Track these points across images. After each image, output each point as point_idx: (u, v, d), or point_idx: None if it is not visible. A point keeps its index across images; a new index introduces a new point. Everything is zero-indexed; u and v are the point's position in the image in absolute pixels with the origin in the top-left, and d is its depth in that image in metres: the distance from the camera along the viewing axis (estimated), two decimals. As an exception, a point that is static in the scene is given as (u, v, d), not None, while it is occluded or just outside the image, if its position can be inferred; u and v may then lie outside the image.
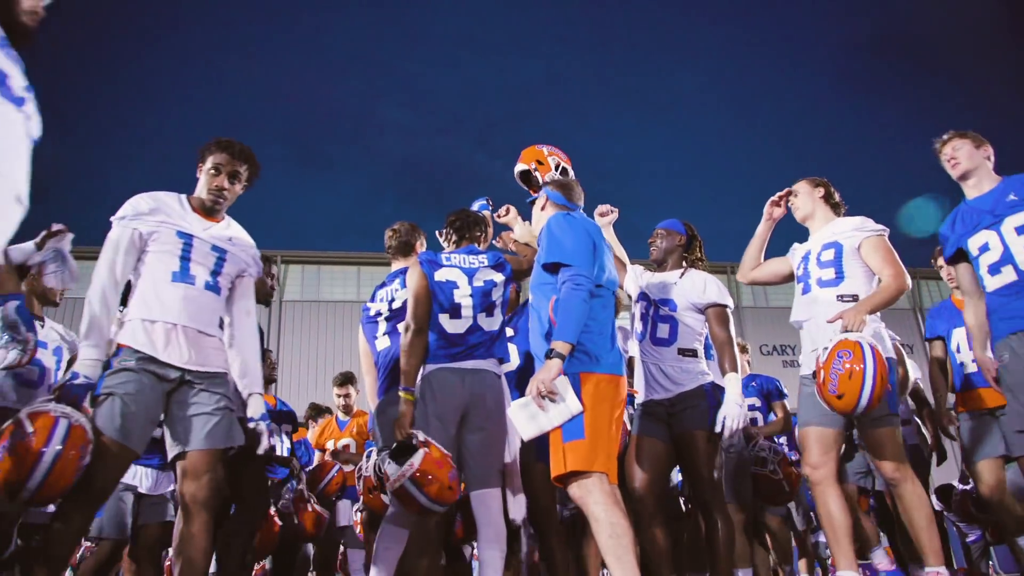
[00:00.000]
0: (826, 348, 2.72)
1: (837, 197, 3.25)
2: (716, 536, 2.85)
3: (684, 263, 3.30)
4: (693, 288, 3.14)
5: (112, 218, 2.47)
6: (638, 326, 3.21)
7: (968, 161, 2.94)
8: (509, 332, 3.26)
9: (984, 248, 2.84)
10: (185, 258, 2.47)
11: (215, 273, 2.52)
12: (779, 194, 3.34)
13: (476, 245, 3.15)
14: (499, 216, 3.52)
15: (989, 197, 2.87)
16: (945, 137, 3.02)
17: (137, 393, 2.28)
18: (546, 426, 2.37)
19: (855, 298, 2.95)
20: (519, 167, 3.66)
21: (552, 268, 2.53)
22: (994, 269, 2.81)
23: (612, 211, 3.46)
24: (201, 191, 2.60)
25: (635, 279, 3.32)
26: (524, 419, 2.38)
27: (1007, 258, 2.75)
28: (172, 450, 2.36)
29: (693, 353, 3.09)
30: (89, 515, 2.31)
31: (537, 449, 2.94)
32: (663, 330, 3.13)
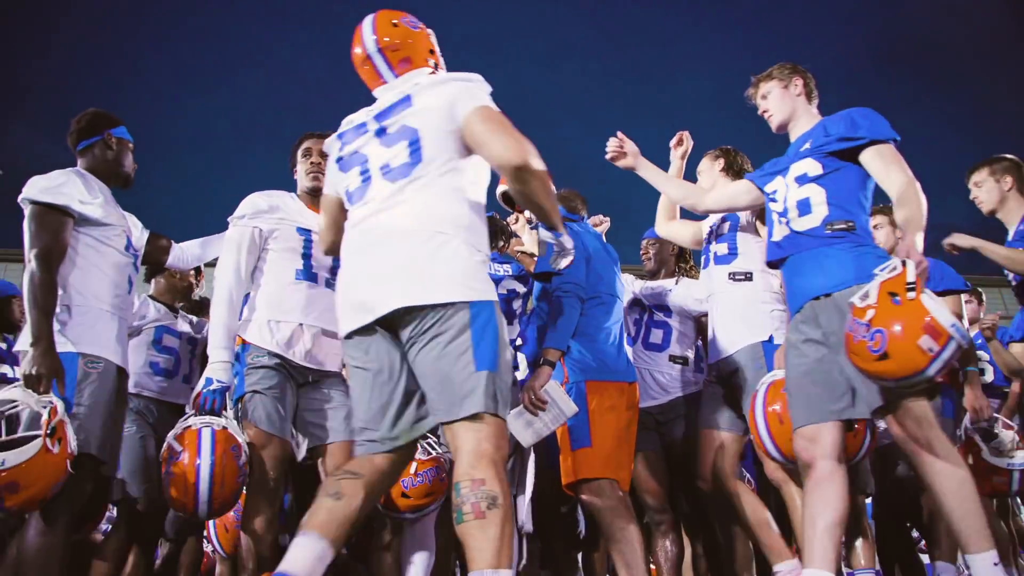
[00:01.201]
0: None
1: (741, 163, 2.96)
2: (719, 546, 2.81)
3: (678, 271, 3.29)
4: (688, 295, 3.14)
5: (229, 218, 2.53)
6: (631, 330, 3.20)
7: (780, 110, 2.44)
8: (517, 341, 3.27)
9: (773, 197, 2.38)
10: (307, 255, 2.49)
11: (334, 269, 2.52)
12: (678, 135, 3.06)
13: (499, 253, 3.16)
14: (508, 224, 3.54)
15: (798, 141, 2.39)
16: (752, 80, 2.53)
17: (277, 387, 2.33)
18: (543, 431, 2.38)
19: (748, 276, 2.71)
20: (500, 188, 3.68)
21: (546, 278, 2.56)
22: (779, 220, 2.34)
23: (604, 220, 3.48)
24: (302, 180, 2.63)
25: (628, 285, 3.33)
26: (520, 427, 2.39)
27: (784, 212, 2.29)
28: (310, 443, 2.39)
29: (684, 361, 3.08)
30: (271, 512, 2.31)
31: (544, 456, 2.94)
32: (656, 335, 3.11)
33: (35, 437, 1.93)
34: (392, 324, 1.71)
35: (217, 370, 2.34)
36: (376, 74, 2.00)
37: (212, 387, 2.31)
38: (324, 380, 2.47)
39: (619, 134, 2.85)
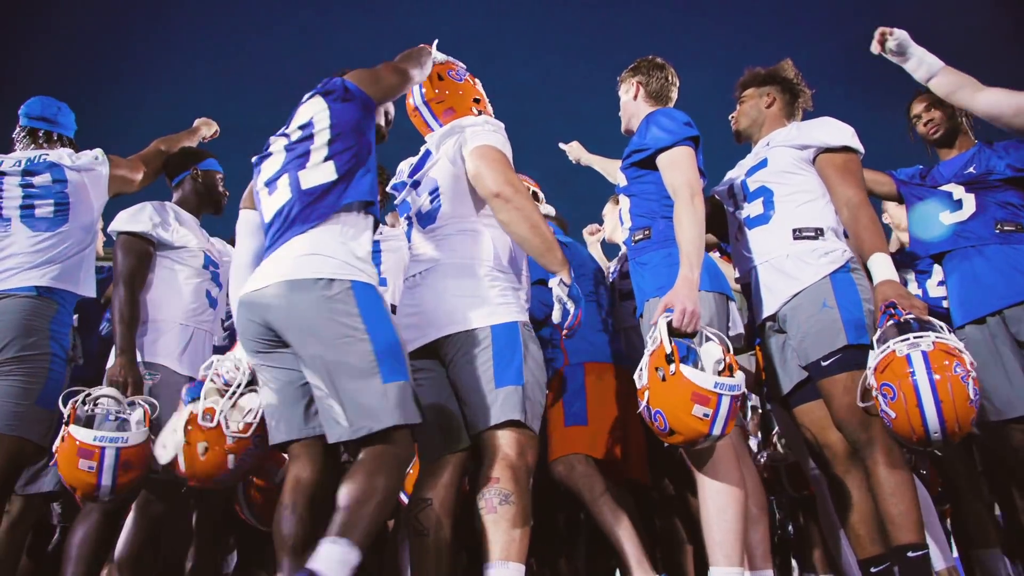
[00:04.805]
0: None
1: None
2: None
3: None
4: None
5: None
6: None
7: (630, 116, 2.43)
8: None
9: None
10: None
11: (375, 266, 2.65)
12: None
13: None
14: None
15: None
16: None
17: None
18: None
19: None
20: None
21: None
22: None
23: (599, 230, 3.52)
24: None
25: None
26: None
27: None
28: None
29: None
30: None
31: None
32: None
33: (136, 425, 2.13)
34: (434, 348, 1.92)
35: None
36: (424, 123, 2.24)
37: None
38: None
39: (561, 145, 3.50)
